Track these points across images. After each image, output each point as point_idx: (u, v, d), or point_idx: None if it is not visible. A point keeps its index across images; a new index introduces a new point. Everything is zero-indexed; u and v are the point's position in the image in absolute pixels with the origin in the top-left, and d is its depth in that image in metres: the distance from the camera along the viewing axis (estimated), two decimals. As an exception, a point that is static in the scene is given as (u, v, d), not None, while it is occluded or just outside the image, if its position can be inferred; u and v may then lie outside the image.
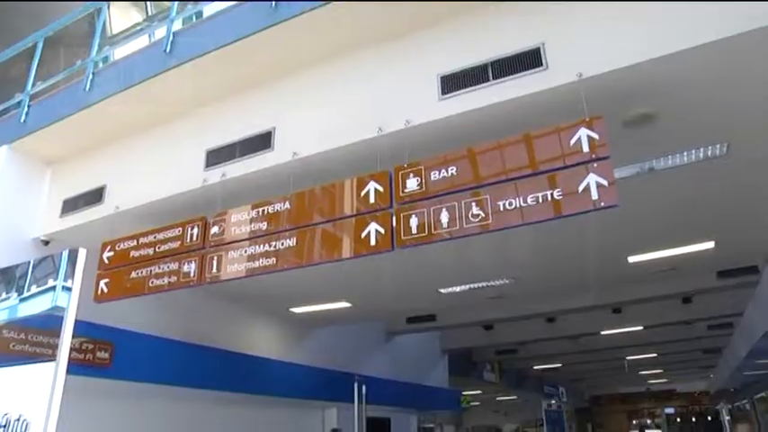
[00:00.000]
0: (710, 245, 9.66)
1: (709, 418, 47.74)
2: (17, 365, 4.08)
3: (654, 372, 35.94)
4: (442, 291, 11.52)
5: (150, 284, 6.45)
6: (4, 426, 3.85)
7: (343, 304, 11.84)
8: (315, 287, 10.75)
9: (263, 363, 11.81)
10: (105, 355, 8.82)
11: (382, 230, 5.07)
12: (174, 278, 6.32)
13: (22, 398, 3.84)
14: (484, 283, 11.16)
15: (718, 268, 11.90)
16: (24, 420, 3.77)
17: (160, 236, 6.59)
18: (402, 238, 4.97)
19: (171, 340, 9.93)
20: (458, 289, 11.44)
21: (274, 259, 5.66)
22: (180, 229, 6.47)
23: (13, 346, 7.47)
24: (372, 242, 5.08)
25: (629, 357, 27.37)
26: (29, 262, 4.34)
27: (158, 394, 9.60)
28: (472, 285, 11.24)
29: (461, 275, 10.78)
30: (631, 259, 10.14)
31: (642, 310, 16.77)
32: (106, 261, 6.89)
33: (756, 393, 20.69)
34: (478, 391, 29.85)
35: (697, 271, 11.99)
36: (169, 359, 9.78)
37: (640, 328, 18.40)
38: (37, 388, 3.77)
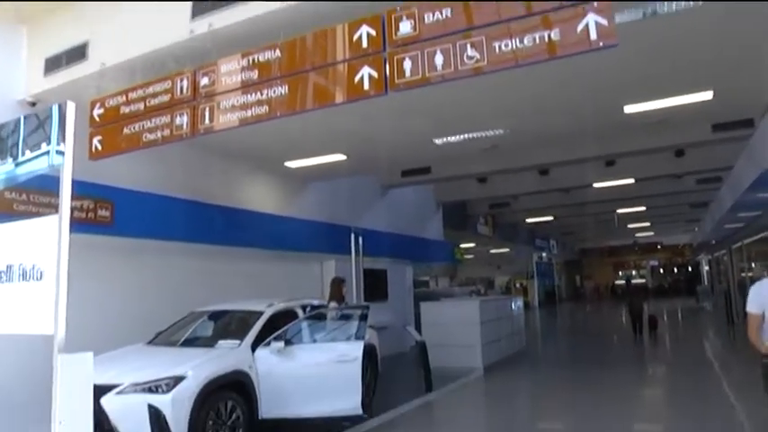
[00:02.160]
0: (709, 95, 9.56)
1: (690, 268, 49.97)
2: (23, 219, 4.15)
3: (641, 225, 36.85)
4: (437, 141, 11.47)
5: (144, 139, 6.45)
6: (22, 274, 4.00)
7: (339, 157, 11.85)
8: (310, 140, 10.75)
9: (261, 217, 12.04)
10: (106, 214, 9.03)
11: (375, 74, 4.99)
12: (166, 131, 6.30)
13: (33, 248, 3.97)
14: (479, 134, 11.09)
15: (713, 121, 11.83)
16: (38, 269, 3.91)
17: (149, 90, 6.51)
18: (395, 81, 4.90)
19: (170, 197, 10.08)
20: (452, 139, 11.37)
21: (266, 107, 5.61)
22: (169, 82, 6.37)
23: (17, 206, 7.62)
24: (365, 86, 5.02)
25: (618, 211, 27.91)
26: (19, 119, 4.28)
27: (161, 250, 9.89)
28: (467, 136, 11.17)
29: (456, 125, 10.70)
30: (627, 109, 10.05)
31: (634, 162, 16.89)
32: (97, 119, 6.85)
33: (734, 244, 21.35)
34: (472, 244, 30.70)
35: (692, 123, 11.95)
36: (169, 215, 9.99)
37: (632, 180, 18.62)
38: (45, 238, 3.87)
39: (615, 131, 12.31)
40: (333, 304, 9.64)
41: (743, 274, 21.05)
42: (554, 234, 41.02)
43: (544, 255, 44.44)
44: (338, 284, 10.36)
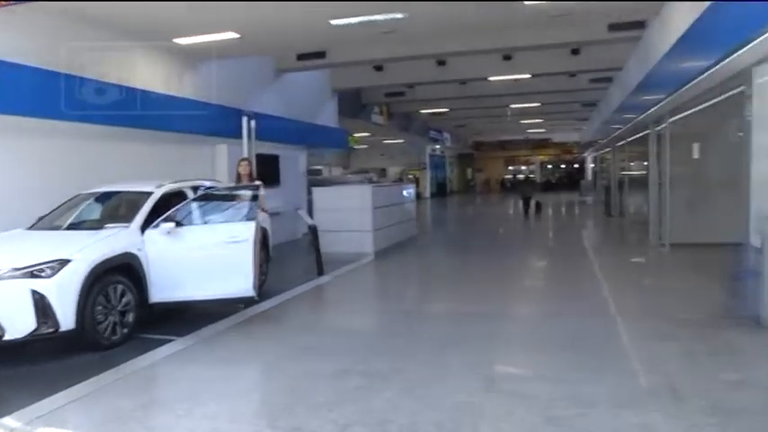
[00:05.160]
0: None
1: (576, 165, 52.51)
2: None
3: (534, 121, 37.84)
4: (333, 23, 10.99)
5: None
6: None
7: (231, 35, 11.16)
8: (199, 15, 10.03)
9: (149, 96, 11.25)
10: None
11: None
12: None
13: None
14: (376, 17, 10.71)
15: (610, 20, 12.00)
16: None
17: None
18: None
19: (48, 71, 9.18)
20: (349, 21, 10.91)
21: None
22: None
23: None
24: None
25: (513, 105, 28.43)
26: None
27: (42, 130, 9.10)
28: (364, 18, 10.76)
29: (353, 6, 10.23)
30: (527, 1, 9.97)
31: (532, 57, 17.10)
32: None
33: (617, 143, 22.44)
34: (367, 134, 30.59)
35: (590, 21, 12.08)
36: (47, 91, 9.11)
37: (528, 75, 18.86)
38: None
39: (514, 24, 12.27)
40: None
41: (623, 172, 22.24)
42: (448, 126, 41.49)
43: (438, 147, 45.13)
44: (246, 164, 9.96)
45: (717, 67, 7.37)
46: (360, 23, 11.02)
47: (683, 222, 12.33)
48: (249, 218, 7.39)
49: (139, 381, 5.35)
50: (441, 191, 46.08)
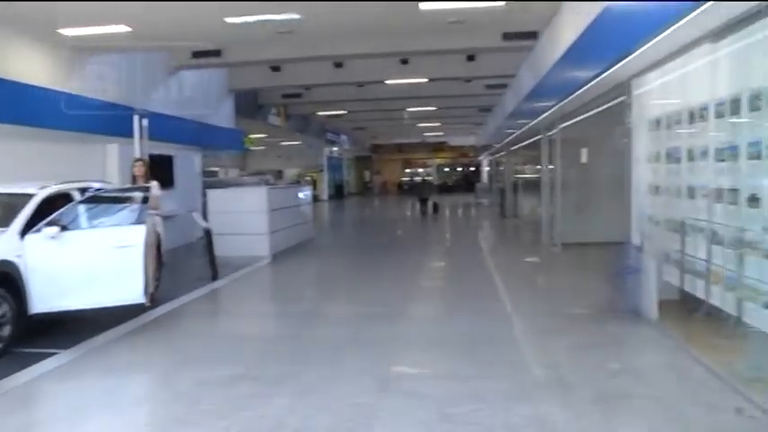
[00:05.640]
0: (501, 3, 9.92)
1: (473, 168, 53.94)
2: None
3: (431, 125, 38.51)
4: (228, 20, 10.76)
5: None
6: None
7: (121, 28, 10.69)
8: (87, 5, 9.51)
9: (27, 90, 10.61)
10: None
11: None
12: None
13: None
14: (272, 16, 10.59)
15: (504, 29, 12.41)
16: None
17: None
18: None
19: None
20: (245, 20, 10.74)
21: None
22: None
23: None
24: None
25: (410, 109, 28.85)
26: None
27: None
28: (260, 17, 10.61)
29: (249, 5, 10.07)
30: (423, 6, 10.14)
31: (428, 62, 17.43)
32: None
33: (511, 147, 23.25)
34: (264, 135, 30.22)
35: (485, 29, 12.43)
36: None
37: (425, 80, 19.21)
38: None
39: (411, 29, 12.46)
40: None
41: (517, 176, 23.05)
42: (346, 128, 41.63)
43: (335, 149, 45.19)
44: (141, 165, 9.54)
45: (600, 77, 7.79)
46: (256, 23, 10.87)
47: (573, 223, 12.93)
48: (139, 221, 7.07)
49: (17, 399, 4.95)
50: (338, 193, 46.16)
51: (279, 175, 38.78)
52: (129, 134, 12.37)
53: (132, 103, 13.02)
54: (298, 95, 23.26)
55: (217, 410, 4.53)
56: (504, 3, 9.94)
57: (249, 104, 22.82)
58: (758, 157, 4.76)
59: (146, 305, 7.10)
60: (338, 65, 18.06)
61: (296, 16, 10.65)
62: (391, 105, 27.23)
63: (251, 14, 10.56)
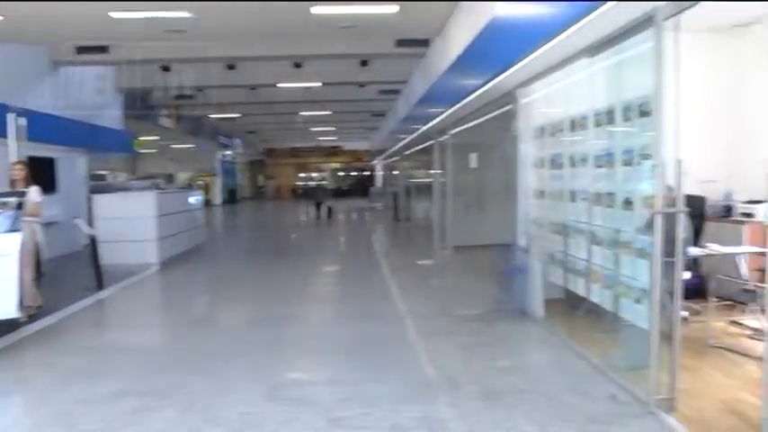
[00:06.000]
0: (395, 8, 10.09)
1: (367, 172, 54.36)
2: None
3: (325, 129, 38.52)
4: (114, 15, 10.30)
5: None
6: None
7: (-7, 16, 10.00)
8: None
9: None
10: None
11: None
12: None
13: None
14: (162, 14, 10.27)
15: (397, 36, 12.61)
16: None
17: None
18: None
19: None
20: (132, 16, 10.34)
21: None
22: None
23: None
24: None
25: (303, 113, 28.75)
26: None
27: None
28: (149, 14, 10.27)
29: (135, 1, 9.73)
30: (314, 10, 10.17)
31: (322, 66, 17.43)
32: None
33: (405, 151, 23.67)
34: (155, 138, 29.24)
35: (378, 35, 12.59)
36: None
37: (318, 84, 19.21)
38: None
39: (303, 32, 12.44)
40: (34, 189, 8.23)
41: (410, 180, 23.46)
42: (239, 132, 40.96)
43: (229, 152, 44.39)
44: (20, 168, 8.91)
45: (488, 86, 8.11)
46: (145, 19, 10.49)
47: (463, 226, 13.31)
48: (14, 228, 6.61)
49: None
50: (232, 198, 45.33)
51: (170, 179, 37.59)
52: (4, 134, 11.65)
53: (6, 99, 12.22)
54: (189, 97, 22.63)
55: (98, 429, 4.33)
56: (395, 10, 10.12)
57: (139, 105, 22.04)
58: (630, 163, 5.09)
59: (20, 320, 6.70)
60: (231, 67, 17.72)
61: (187, 15, 10.40)
62: (285, 109, 27.04)
63: (138, 10, 10.17)
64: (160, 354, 6.64)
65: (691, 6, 4.01)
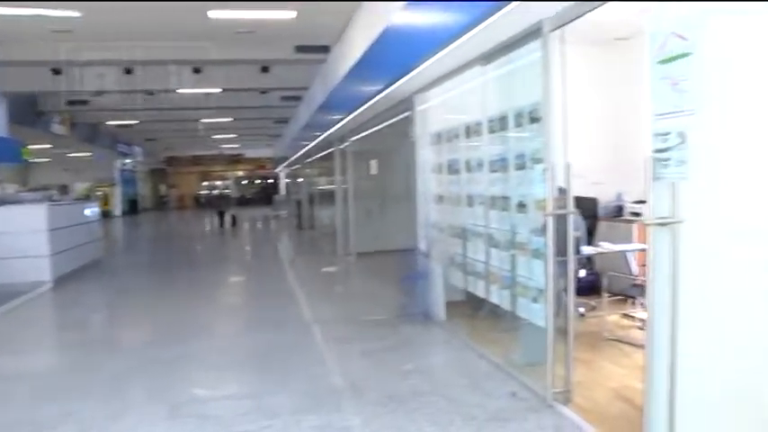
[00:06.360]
0: (293, 14, 10.06)
1: (271, 180, 53.85)
2: None
3: (227, 137, 37.84)
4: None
5: None
6: None
7: None
8: None
9: None
10: None
11: None
12: None
13: None
14: (47, 11, 9.75)
15: (297, 42, 12.56)
16: None
17: None
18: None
19: None
20: (11, 12, 9.81)
21: None
22: None
23: None
24: None
25: (205, 120, 28.12)
26: None
27: None
28: (33, 12, 9.73)
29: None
30: (211, 14, 10.00)
31: (222, 72, 17.10)
32: None
33: (307, 159, 23.64)
34: (47, 146, 27.85)
35: (278, 41, 12.51)
36: None
37: (219, 90, 18.87)
38: None
39: (201, 36, 12.20)
40: None
41: (313, 187, 23.38)
42: (138, 139, 39.62)
43: (128, 161, 42.90)
44: None
45: (385, 92, 8.20)
46: (29, 17, 9.95)
47: (366, 233, 13.38)
48: None
49: None
50: (133, 208, 43.78)
51: (65, 189, 35.91)
52: None
53: None
54: (84, 102, 21.67)
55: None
56: (293, 16, 10.09)
57: (27, 111, 20.89)
58: (523, 167, 5.26)
59: None
60: (128, 71, 17.09)
61: (75, 14, 9.93)
62: (185, 116, 26.30)
63: (21, 7, 9.63)
64: (48, 379, 6.07)
65: (575, 19, 4.19)
